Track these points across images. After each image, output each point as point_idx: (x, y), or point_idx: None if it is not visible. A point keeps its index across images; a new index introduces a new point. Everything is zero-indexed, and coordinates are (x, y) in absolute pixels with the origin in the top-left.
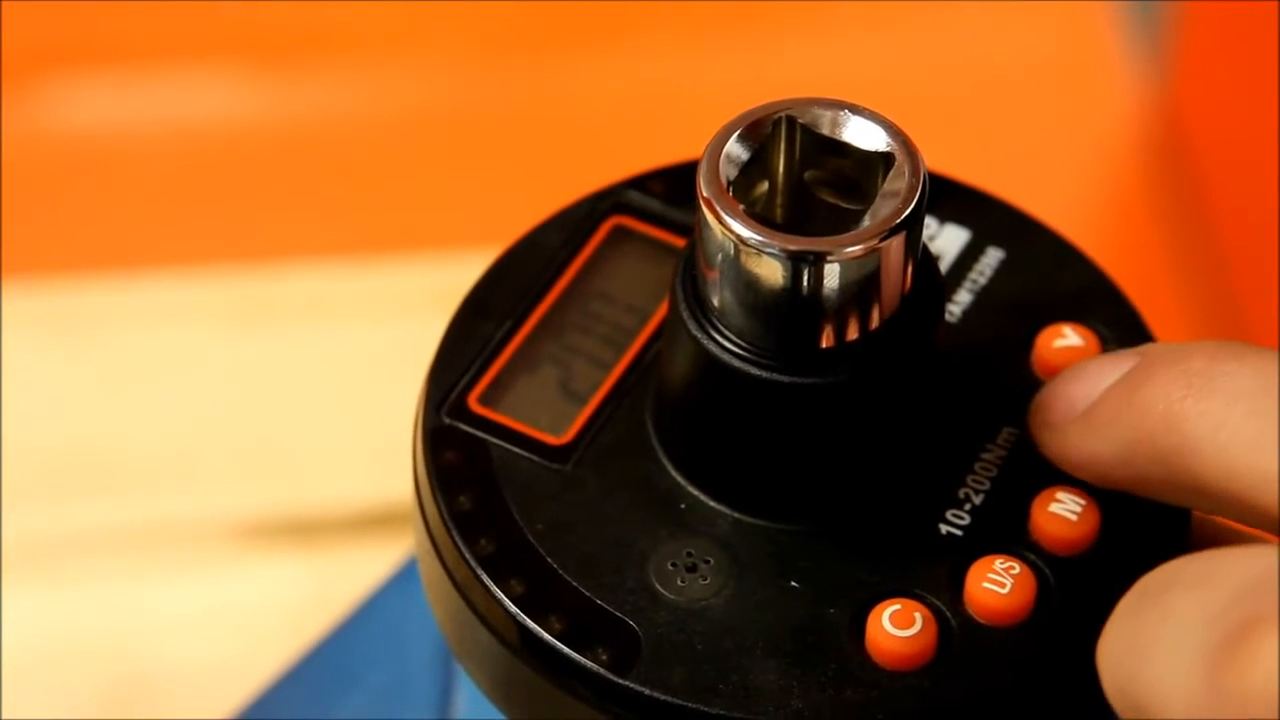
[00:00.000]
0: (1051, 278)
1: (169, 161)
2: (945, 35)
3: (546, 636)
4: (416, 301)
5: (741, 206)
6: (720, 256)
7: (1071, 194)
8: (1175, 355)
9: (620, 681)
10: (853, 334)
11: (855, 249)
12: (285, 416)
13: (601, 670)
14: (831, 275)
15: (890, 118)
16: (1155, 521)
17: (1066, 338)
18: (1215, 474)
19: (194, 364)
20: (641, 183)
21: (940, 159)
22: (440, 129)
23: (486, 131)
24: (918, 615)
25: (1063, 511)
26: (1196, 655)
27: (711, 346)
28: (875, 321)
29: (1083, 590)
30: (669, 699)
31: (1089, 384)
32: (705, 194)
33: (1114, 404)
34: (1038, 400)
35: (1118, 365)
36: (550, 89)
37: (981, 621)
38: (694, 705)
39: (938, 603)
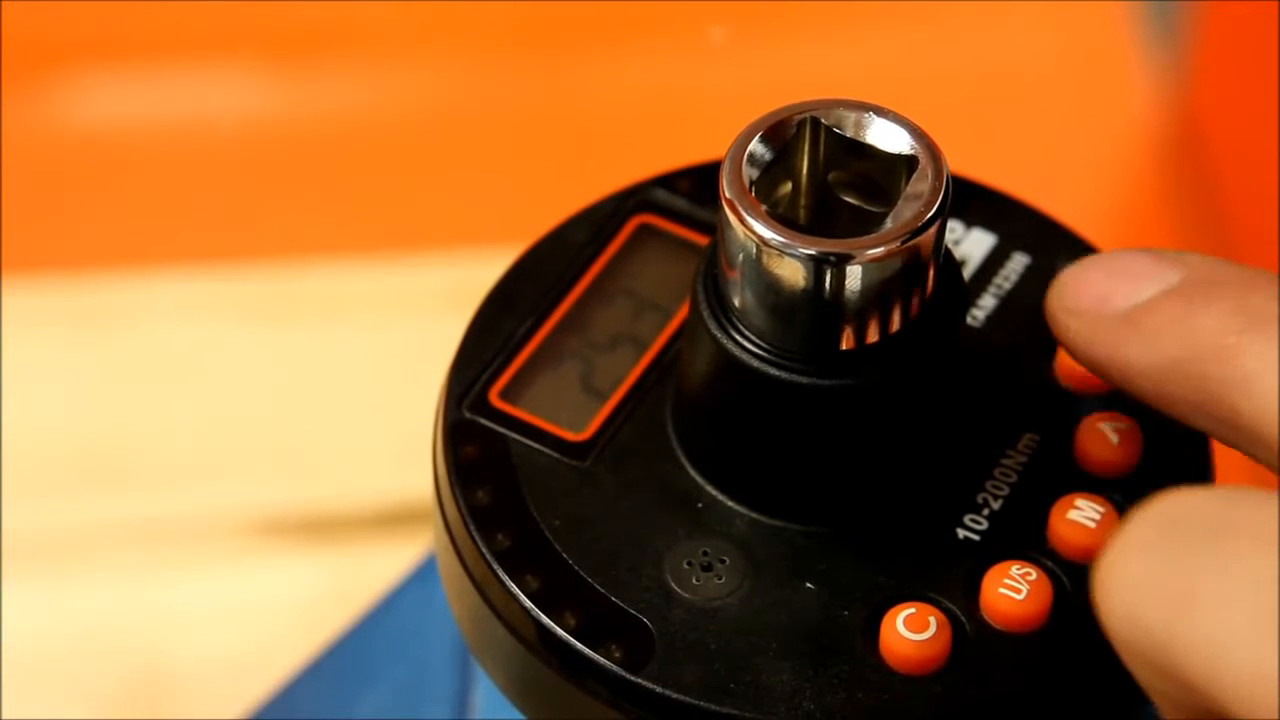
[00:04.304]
0: None
1: (189, 158)
2: (961, 35)
3: (561, 632)
4: (435, 299)
5: (764, 207)
6: (742, 257)
7: (1087, 194)
8: (1234, 283)
9: (633, 679)
10: (873, 336)
11: (877, 251)
12: (303, 413)
13: (615, 667)
14: (853, 277)
15: (913, 120)
16: None
17: None
18: (1258, 413)
19: (213, 360)
20: (668, 181)
21: (956, 159)
22: (461, 127)
23: (507, 129)
24: (932, 619)
25: (1081, 519)
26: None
27: (731, 347)
28: (896, 324)
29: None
30: (682, 697)
31: (1130, 282)
32: (727, 194)
33: (1164, 316)
34: (1062, 281)
35: (1160, 268)
36: (571, 87)
37: (997, 627)
38: (706, 704)
39: (953, 607)
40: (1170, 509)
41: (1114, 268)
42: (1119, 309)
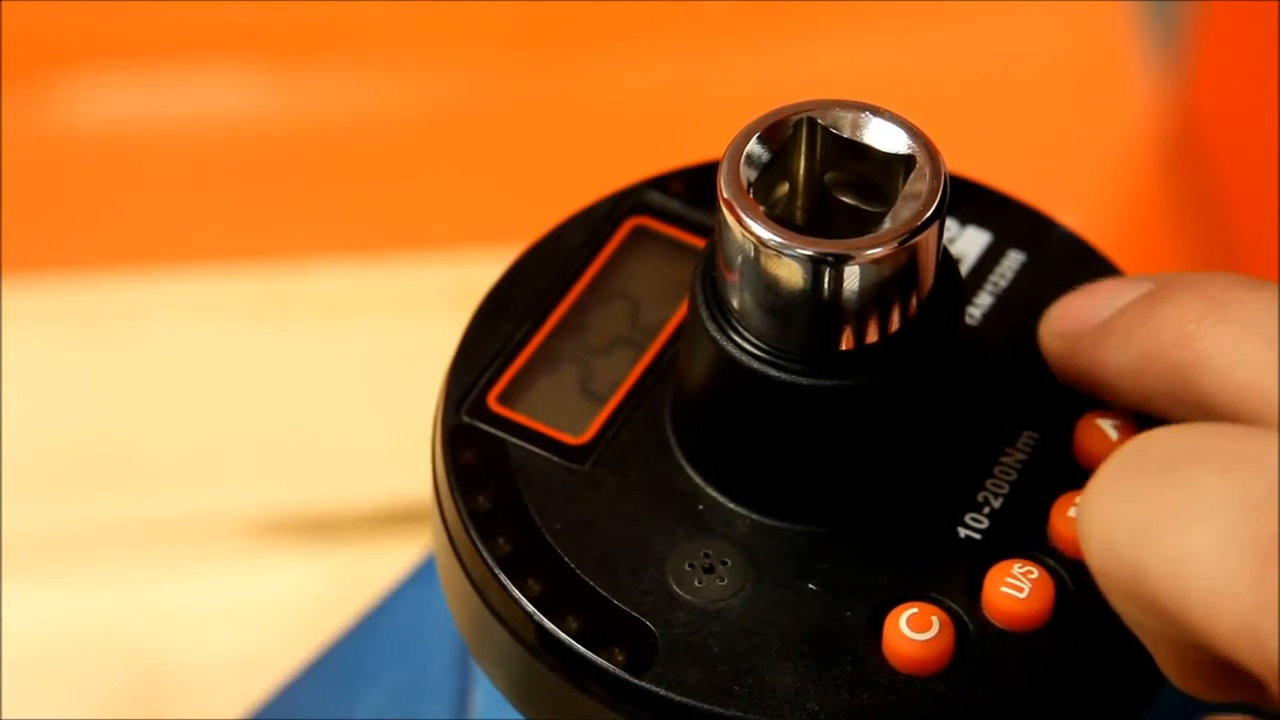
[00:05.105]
0: (1072, 281)
1: (190, 158)
2: (961, 35)
3: (563, 636)
4: (434, 300)
5: (762, 208)
6: (740, 258)
7: (1087, 194)
8: (1193, 280)
9: (636, 682)
10: (872, 336)
11: (876, 251)
12: (303, 414)
13: (617, 670)
14: (851, 278)
15: (911, 120)
16: None
17: None
18: (1222, 390)
19: (213, 361)
20: (663, 183)
21: (956, 158)
22: (460, 128)
23: (505, 130)
24: (935, 619)
25: None
26: (1238, 542)
27: (730, 348)
28: (895, 324)
29: (1101, 596)
30: (685, 700)
31: (1105, 299)
32: (725, 195)
33: (1131, 317)
34: (1051, 311)
35: (1134, 286)
36: (569, 88)
37: (999, 626)
38: (709, 706)
39: (955, 607)
40: (1141, 443)
41: (1092, 290)
42: (1097, 321)
